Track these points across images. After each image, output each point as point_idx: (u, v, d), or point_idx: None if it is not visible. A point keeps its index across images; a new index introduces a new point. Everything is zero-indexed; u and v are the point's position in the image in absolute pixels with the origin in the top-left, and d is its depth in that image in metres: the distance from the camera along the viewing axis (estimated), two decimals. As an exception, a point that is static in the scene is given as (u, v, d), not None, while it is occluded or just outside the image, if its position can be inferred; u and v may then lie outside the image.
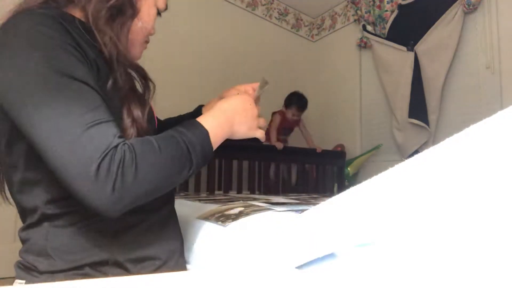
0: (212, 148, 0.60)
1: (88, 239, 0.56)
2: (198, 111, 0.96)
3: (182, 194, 1.72)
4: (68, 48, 0.51)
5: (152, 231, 0.64)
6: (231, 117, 0.66)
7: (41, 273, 0.55)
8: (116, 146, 0.48)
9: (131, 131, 0.57)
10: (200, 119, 0.61)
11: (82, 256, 0.55)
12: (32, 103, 0.48)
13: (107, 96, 0.55)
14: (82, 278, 0.55)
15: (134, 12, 0.65)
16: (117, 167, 0.47)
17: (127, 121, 0.58)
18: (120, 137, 0.50)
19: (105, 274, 0.56)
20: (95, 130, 0.48)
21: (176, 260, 0.67)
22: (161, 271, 0.62)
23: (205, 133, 0.59)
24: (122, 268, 0.58)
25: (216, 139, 0.61)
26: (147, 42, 0.74)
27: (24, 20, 0.52)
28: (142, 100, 0.63)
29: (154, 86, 0.68)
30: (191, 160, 0.56)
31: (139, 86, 0.72)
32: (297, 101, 2.71)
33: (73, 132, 0.47)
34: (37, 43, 0.50)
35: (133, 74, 0.72)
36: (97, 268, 0.56)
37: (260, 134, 0.71)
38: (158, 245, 0.64)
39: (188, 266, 0.75)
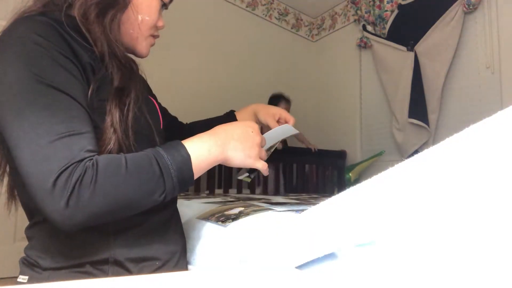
0: (192, 173, 0.56)
1: (90, 238, 0.57)
2: (230, 116, 0.96)
3: (182, 194, 1.72)
4: (56, 57, 0.52)
5: (153, 232, 0.64)
6: (224, 142, 0.62)
7: (44, 269, 0.57)
8: (80, 161, 0.48)
9: (111, 135, 0.56)
10: (187, 141, 0.58)
11: (83, 254, 0.56)
12: (9, 110, 0.49)
13: (105, 98, 0.57)
14: (82, 276, 0.56)
15: (125, 3, 0.63)
16: (74, 183, 0.46)
17: (108, 124, 0.56)
18: (89, 151, 0.50)
19: (106, 273, 0.57)
20: (62, 142, 0.48)
21: (176, 261, 0.67)
22: (161, 272, 0.62)
23: (185, 158, 0.56)
24: (123, 268, 0.58)
25: (201, 164, 0.58)
26: (154, 36, 0.71)
27: (19, 27, 0.53)
28: (131, 100, 0.60)
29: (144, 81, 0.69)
30: (164, 184, 0.53)
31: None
32: (282, 97, 2.70)
33: (39, 142, 0.47)
34: (24, 52, 0.51)
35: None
36: (98, 267, 0.57)
37: (261, 165, 0.66)
38: (158, 246, 0.64)
39: (189, 267, 0.75)
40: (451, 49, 2.30)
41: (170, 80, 2.58)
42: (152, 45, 0.73)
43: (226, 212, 0.82)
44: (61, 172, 0.46)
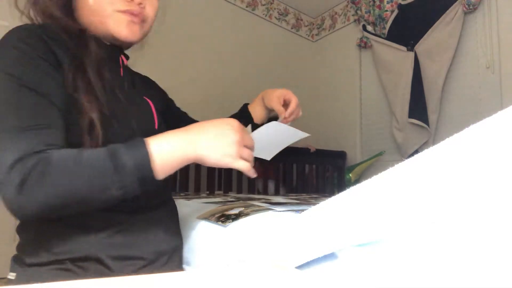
0: (151, 170, 0.55)
1: (72, 235, 0.59)
2: (243, 110, 0.98)
3: (182, 194, 1.72)
4: (35, 61, 0.58)
5: (137, 231, 0.64)
6: (196, 140, 0.59)
7: (29, 265, 0.59)
8: (37, 153, 0.51)
9: (85, 112, 0.59)
10: (154, 138, 0.58)
11: (65, 251, 0.58)
12: None
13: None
14: (62, 273, 0.57)
15: None
16: (26, 172, 0.49)
17: (81, 100, 0.59)
18: (50, 145, 0.53)
19: (85, 270, 0.58)
20: (24, 136, 0.51)
21: (164, 262, 0.67)
22: (145, 272, 0.62)
23: (144, 155, 0.55)
24: (103, 265, 0.59)
25: (166, 162, 0.57)
26: (126, 12, 0.68)
27: (9, 35, 0.60)
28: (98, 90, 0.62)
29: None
30: (120, 180, 0.53)
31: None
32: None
33: (2, 135, 0.51)
34: (4, 56, 0.57)
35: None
36: (78, 264, 0.58)
37: (242, 166, 0.62)
38: (143, 246, 0.64)
39: (188, 267, 0.75)
40: (451, 49, 2.30)
41: (169, 80, 2.57)
42: (135, 22, 0.70)
43: (226, 212, 0.82)
44: (16, 162, 0.49)
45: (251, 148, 0.64)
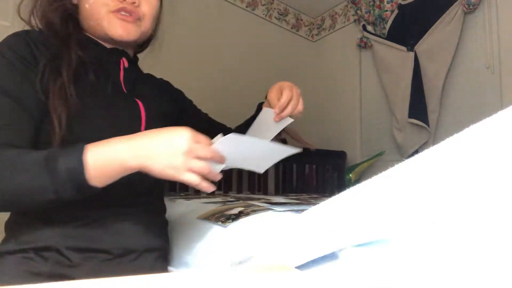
0: (84, 177, 0.54)
1: (37, 226, 0.63)
2: (258, 109, 0.97)
3: (182, 194, 1.72)
4: (14, 65, 0.62)
5: (104, 226, 0.66)
6: (139, 148, 0.56)
7: (1, 254, 0.63)
8: None
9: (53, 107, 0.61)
10: (93, 144, 0.57)
11: (29, 241, 0.62)
12: None
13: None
14: (25, 261, 0.62)
15: None
16: None
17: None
18: (2, 144, 0.57)
19: (46, 259, 0.62)
20: None
21: (132, 259, 0.68)
22: (111, 266, 0.65)
23: (78, 160, 0.54)
24: (63, 256, 0.62)
25: (102, 169, 0.56)
26: (119, 12, 0.70)
27: (2, 41, 0.64)
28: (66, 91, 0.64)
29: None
30: (52, 185, 0.54)
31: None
32: None
33: None
34: None
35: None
36: (39, 253, 0.62)
37: (189, 179, 0.56)
38: (109, 240, 0.66)
39: (189, 267, 0.75)
40: (451, 49, 2.30)
41: (168, 80, 2.57)
42: (128, 21, 0.71)
43: (226, 212, 0.82)
44: None
45: (207, 159, 0.57)
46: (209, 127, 0.97)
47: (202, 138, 0.58)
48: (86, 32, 0.76)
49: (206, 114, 1.05)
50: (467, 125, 0.30)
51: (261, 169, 0.71)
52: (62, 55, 0.66)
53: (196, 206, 0.99)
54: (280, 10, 3.34)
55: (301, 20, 3.49)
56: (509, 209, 0.27)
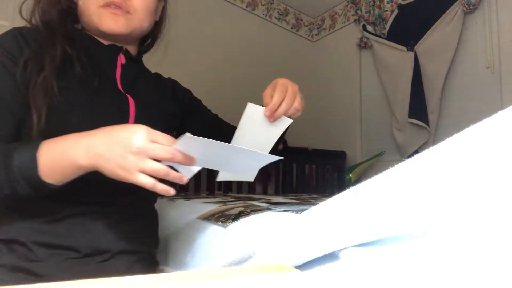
0: (35, 172, 0.53)
1: (9, 219, 0.64)
2: None
3: (182, 194, 1.72)
4: (1, 62, 0.62)
5: (74, 223, 0.65)
6: (91, 146, 0.53)
7: None
8: None
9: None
10: (49, 140, 0.56)
11: (0, 233, 0.63)
12: None
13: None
14: None
15: None
16: None
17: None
18: None
19: (13, 251, 0.62)
20: None
21: (104, 259, 0.66)
22: (79, 264, 0.63)
23: (30, 156, 0.54)
24: (28, 249, 0.62)
25: (54, 165, 0.54)
26: (107, 5, 0.70)
27: None
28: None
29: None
30: (7, 180, 0.54)
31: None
32: None
33: None
34: None
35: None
36: (8, 245, 0.63)
37: (142, 181, 0.51)
38: (78, 238, 0.64)
39: (186, 267, 0.75)
40: (451, 49, 2.30)
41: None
42: (117, 14, 0.72)
43: (226, 212, 0.82)
44: None
45: (164, 160, 0.53)
46: (218, 128, 0.96)
47: (161, 137, 0.53)
48: (86, 29, 0.77)
49: (215, 115, 1.03)
50: (467, 125, 0.30)
51: (249, 177, 0.65)
52: (48, 50, 0.66)
53: (196, 206, 0.99)
54: (280, 10, 3.34)
55: (301, 20, 3.49)
56: (509, 208, 0.27)
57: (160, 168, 0.52)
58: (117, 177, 0.53)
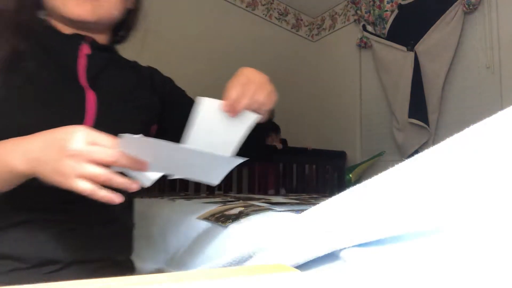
0: None
1: None
2: None
3: (182, 194, 1.72)
4: None
5: (21, 231, 0.60)
6: (29, 150, 0.50)
7: None
8: None
9: None
10: None
11: None
12: None
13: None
14: None
15: None
16: None
17: None
18: None
19: None
20: None
21: (56, 270, 0.62)
22: (24, 275, 0.59)
23: None
24: None
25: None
26: None
27: None
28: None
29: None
30: None
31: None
32: (271, 127, 2.70)
33: None
34: None
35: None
36: None
37: (81, 187, 0.47)
38: (25, 247, 0.60)
39: (186, 267, 0.75)
40: (451, 49, 2.30)
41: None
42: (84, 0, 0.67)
43: (226, 212, 0.82)
44: None
45: (107, 163, 0.48)
46: None
47: (102, 138, 0.48)
48: (50, 16, 0.70)
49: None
50: (467, 125, 0.30)
51: (213, 180, 0.58)
52: None
53: (196, 206, 0.99)
54: (280, 10, 3.34)
55: (301, 20, 3.49)
56: (509, 209, 0.27)
57: (100, 173, 0.47)
58: (55, 182, 0.48)
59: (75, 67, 0.68)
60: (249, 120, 0.63)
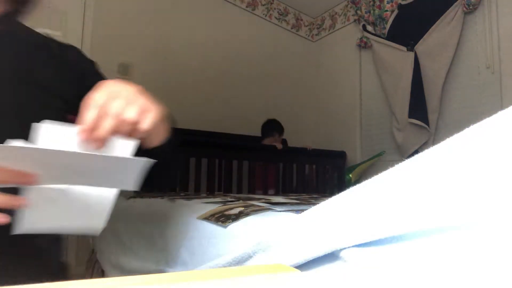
0: None
1: None
2: None
3: (182, 194, 1.72)
4: None
5: None
6: None
7: None
8: None
9: None
10: None
11: None
12: None
13: None
14: None
15: None
16: None
17: None
18: None
19: None
20: None
21: None
22: None
23: None
24: None
25: None
26: None
27: None
28: None
29: None
30: None
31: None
32: (276, 127, 2.71)
33: None
34: None
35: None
36: None
37: None
38: None
39: (186, 267, 0.75)
40: (451, 49, 2.30)
41: (169, 81, 2.58)
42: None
43: (226, 212, 0.82)
44: None
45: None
46: None
47: None
48: None
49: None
50: (467, 125, 0.30)
51: (127, 186, 0.47)
52: None
53: (196, 206, 0.99)
54: (280, 10, 3.34)
55: (301, 20, 3.49)
56: (509, 209, 0.27)
57: None
58: None
59: None
60: (123, 150, 0.45)
